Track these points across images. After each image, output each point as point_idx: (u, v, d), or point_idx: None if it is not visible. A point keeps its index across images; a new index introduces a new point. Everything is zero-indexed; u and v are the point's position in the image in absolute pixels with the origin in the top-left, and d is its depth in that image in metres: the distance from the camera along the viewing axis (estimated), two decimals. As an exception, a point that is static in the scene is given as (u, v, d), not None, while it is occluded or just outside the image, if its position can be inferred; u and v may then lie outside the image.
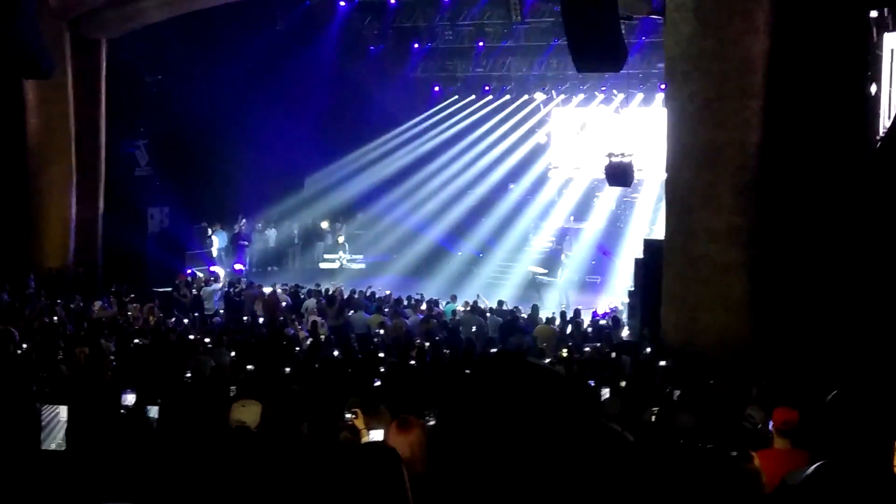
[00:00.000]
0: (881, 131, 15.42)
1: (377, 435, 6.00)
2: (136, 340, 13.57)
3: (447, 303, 21.78)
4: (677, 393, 10.34)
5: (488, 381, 1.77)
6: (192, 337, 14.64)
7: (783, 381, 10.61)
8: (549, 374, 1.78)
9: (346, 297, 21.54)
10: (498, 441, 1.67)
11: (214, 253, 28.55)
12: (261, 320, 18.91)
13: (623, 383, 11.27)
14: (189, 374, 10.07)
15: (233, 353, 12.78)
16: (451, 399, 1.78)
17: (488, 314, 20.42)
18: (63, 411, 5.47)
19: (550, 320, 20.07)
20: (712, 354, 14.38)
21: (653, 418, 8.61)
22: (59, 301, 18.89)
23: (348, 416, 6.19)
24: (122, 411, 7.00)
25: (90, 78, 22.87)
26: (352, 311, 20.16)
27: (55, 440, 5.39)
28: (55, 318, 16.42)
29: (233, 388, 8.99)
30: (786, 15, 14.84)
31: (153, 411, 7.21)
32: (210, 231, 28.85)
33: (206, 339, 14.51)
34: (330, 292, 21.63)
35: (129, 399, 7.24)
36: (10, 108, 21.87)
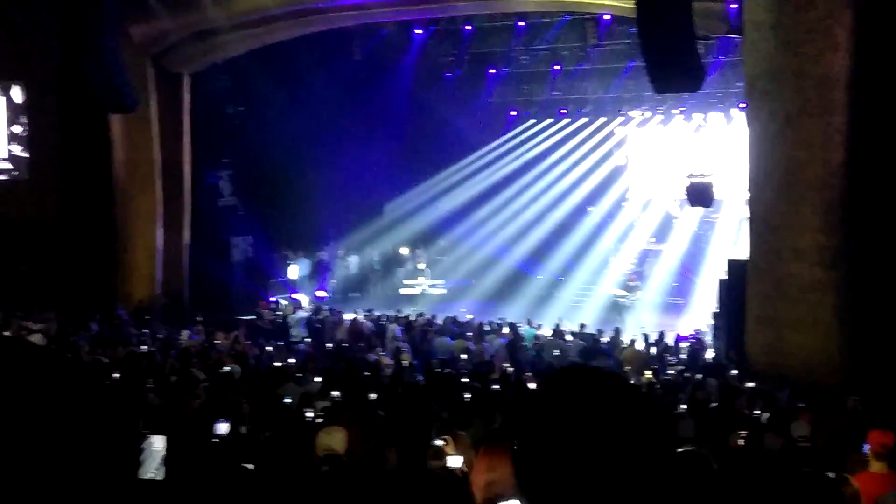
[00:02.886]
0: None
1: (457, 461, 6.03)
2: (225, 368, 13.75)
3: (527, 327, 21.70)
4: (766, 416, 10.20)
5: (566, 395, 1.77)
6: (278, 364, 14.81)
7: (877, 402, 10.40)
8: (629, 388, 1.78)
9: (427, 321, 21.64)
10: (581, 460, 1.67)
11: (296, 280, 28.88)
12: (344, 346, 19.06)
13: (713, 405, 11.16)
14: (280, 402, 10.19)
15: (318, 380, 12.90)
16: (526, 417, 1.79)
17: (570, 338, 20.31)
18: (157, 441, 5.59)
19: (632, 342, 19.89)
20: (800, 376, 14.14)
21: (740, 441, 8.50)
22: (146, 330, 19.25)
23: (439, 442, 6.22)
24: (215, 440, 7.13)
25: (174, 111, 23.39)
26: (435, 337, 20.22)
27: (150, 470, 5.51)
28: (143, 347, 16.74)
29: (320, 414, 9.09)
30: (867, 31, 14.63)
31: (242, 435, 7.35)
32: (292, 259, 29.21)
33: (292, 365, 14.69)
34: (411, 319, 21.76)
35: (223, 428, 7.37)
36: (97, 142, 22.41)
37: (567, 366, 1.91)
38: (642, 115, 33.86)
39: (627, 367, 16.34)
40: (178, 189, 23.66)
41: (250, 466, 5.82)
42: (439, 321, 22.21)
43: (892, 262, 14.62)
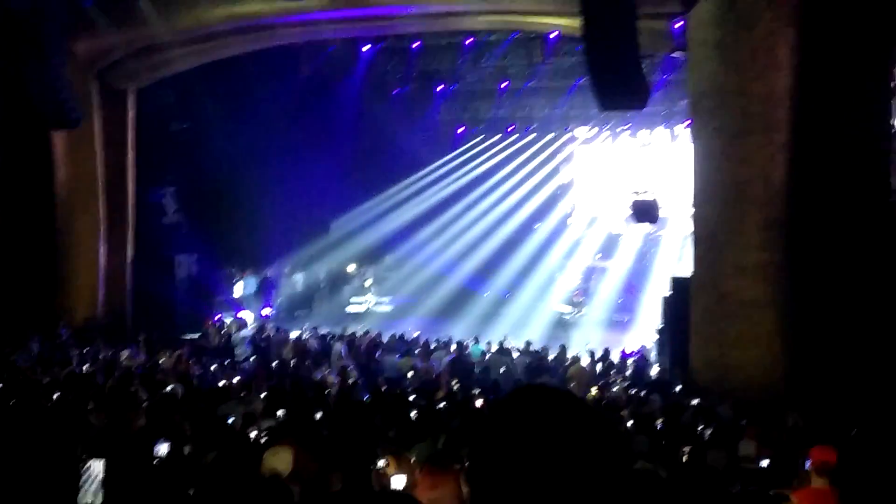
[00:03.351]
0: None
1: (400, 481, 5.99)
2: (167, 388, 13.57)
3: (473, 344, 21.70)
4: (708, 432, 10.26)
5: (519, 415, 1.76)
6: (222, 383, 14.65)
7: (817, 417, 10.51)
8: (581, 406, 1.77)
9: (372, 339, 21.58)
10: (535, 479, 1.66)
11: (242, 298, 28.67)
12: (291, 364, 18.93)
13: (659, 422, 11.21)
14: (223, 421, 10.06)
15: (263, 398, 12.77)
16: (481, 437, 1.77)
17: (516, 355, 20.33)
18: (97, 465, 5.46)
19: (576, 359, 19.94)
20: (743, 391, 14.26)
21: (685, 458, 8.55)
22: (87, 350, 18.97)
23: (381, 463, 6.17)
24: (154, 462, 7.01)
25: (118, 127, 23.14)
26: (383, 355, 20.18)
27: (88, 495, 5.38)
28: (84, 367, 16.48)
29: (264, 434, 8.98)
30: (809, 50, 14.84)
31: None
32: (238, 277, 29.00)
33: (236, 384, 14.54)
34: (354, 336, 21.73)
35: (163, 449, 7.25)
36: (38, 158, 22.08)
37: (518, 386, 1.89)
38: (588, 131, 34.14)
39: (572, 384, 16.37)
40: (121, 206, 23.38)
41: (191, 492, 5.71)
42: (385, 339, 22.15)
43: (832, 278, 14.80)
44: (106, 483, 5.33)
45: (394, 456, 6.24)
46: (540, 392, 1.78)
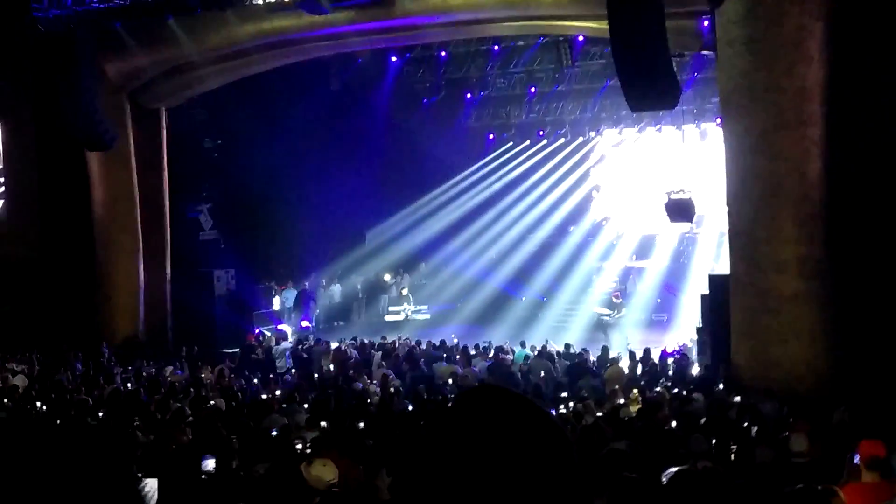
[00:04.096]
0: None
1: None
2: (211, 402, 13.69)
3: (519, 348, 21.66)
4: (755, 429, 10.21)
5: (458, 415, 1.78)
6: (264, 396, 14.76)
7: (865, 412, 10.42)
8: (531, 410, 1.79)
9: (412, 348, 21.63)
10: (460, 474, 1.68)
11: (280, 311, 28.82)
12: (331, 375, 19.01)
13: (702, 421, 11.17)
14: (268, 434, 10.14)
15: (306, 408, 12.86)
16: (419, 435, 1.80)
17: (557, 358, 20.30)
18: (151, 483, 5.52)
19: (615, 360, 19.88)
20: (786, 388, 14.16)
21: (732, 456, 8.51)
22: (129, 368, 19.15)
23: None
24: (203, 476, 7.08)
25: (151, 147, 23.34)
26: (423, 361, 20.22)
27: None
28: (128, 385, 16.65)
29: (309, 446, 9.04)
30: (839, 43, 14.74)
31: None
32: (275, 290, 29.16)
33: (278, 397, 14.63)
34: (387, 345, 21.84)
35: (210, 464, 7.32)
36: (75, 180, 22.33)
37: (474, 387, 1.91)
38: (619, 133, 34.02)
39: (616, 387, 16.33)
40: (158, 224, 23.58)
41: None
42: (423, 346, 22.18)
43: (872, 271, 14.68)
44: (160, 500, 5.40)
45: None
46: (487, 393, 1.79)
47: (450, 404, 1.84)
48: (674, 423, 11.22)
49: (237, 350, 22.16)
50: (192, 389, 15.92)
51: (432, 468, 1.70)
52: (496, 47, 27.13)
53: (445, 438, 1.71)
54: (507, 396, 1.77)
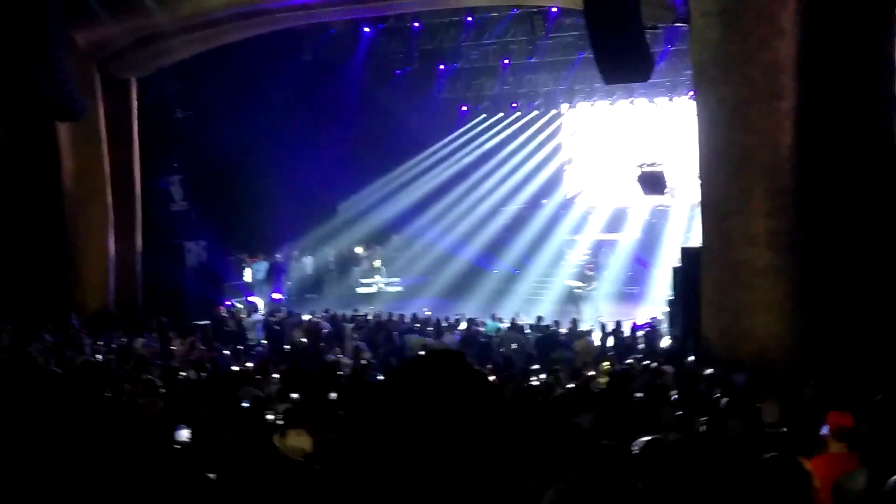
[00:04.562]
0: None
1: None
2: (182, 374, 13.64)
3: (490, 321, 21.75)
4: (724, 400, 10.27)
5: (402, 380, 1.83)
6: (235, 368, 14.71)
7: (833, 384, 10.52)
8: (466, 375, 1.82)
9: (383, 320, 21.66)
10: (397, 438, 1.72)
11: (252, 283, 28.73)
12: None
13: (672, 393, 11.23)
14: (239, 406, 10.11)
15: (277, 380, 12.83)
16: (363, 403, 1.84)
17: (528, 331, 20.39)
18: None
19: (586, 333, 20.00)
20: (756, 360, 14.27)
21: (702, 427, 8.56)
22: (100, 340, 19.03)
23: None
24: (176, 447, 7.06)
25: (122, 117, 23.10)
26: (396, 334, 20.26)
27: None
28: (98, 356, 16.54)
29: (280, 417, 9.03)
30: (812, 16, 14.77)
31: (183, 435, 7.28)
32: (247, 262, 29.07)
33: (250, 368, 14.59)
34: (358, 318, 21.86)
35: (184, 434, 7.30)
36: (44, 151, 22.09)
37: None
38: (592, 105, 34.08)
39: (588, 359, 16.43)
40: (128, 195, 23.38)
41: (212, 476, 5.75)
42: (395, 318, 22.22)
43: (843, 244, 14.78)
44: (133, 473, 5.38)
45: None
46: (431, 358, 1.83)
47: (393, 372, 1.89)
48: (644, 395, 11.27)
49: (208, 322, 22.09)
50: (162, 360, 15.86)
51: (370, 429, 1.73)
52: (469, 18, 27.03)
53: (384, 401, 1.75)
54: (449, 360, 1.80)
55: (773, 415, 8.78)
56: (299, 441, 5.99)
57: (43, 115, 20.24)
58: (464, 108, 35.54)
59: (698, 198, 17.22)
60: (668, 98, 31.77)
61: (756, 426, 8.55)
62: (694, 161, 17.05)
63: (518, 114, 35.06)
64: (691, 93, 21.22)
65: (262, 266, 29.42)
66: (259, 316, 23.26)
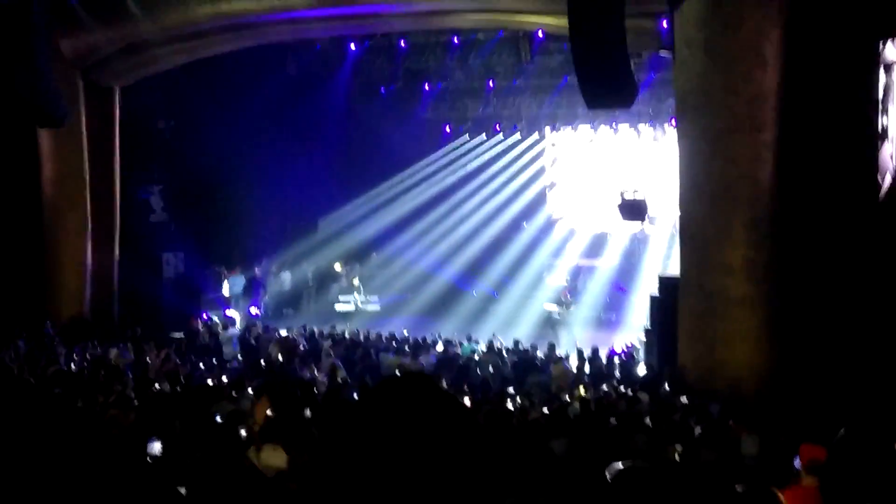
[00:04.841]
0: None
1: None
2: (157, 386, 13.54)
3: (466, 342, 21.71)
4: (698, 429, 10.29)
5: (372, 400, 1.85)
6: (210, 382, 14.61)
7: (805, 415, 10.54)
8: (438, 397, 1.84)
9: (359, 339, 21.61)
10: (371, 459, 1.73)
11: (229, 297, 28.60)
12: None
13: (647, 420, 11.23)
14: (212, 420, 10.04)
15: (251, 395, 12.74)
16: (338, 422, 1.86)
17: (505, 354, 20.36)
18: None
19: (562, 358, 19.98)
20: (732, 390, 14.30)
21: (676, 456, 8.56)
22: (75, 348, 18.89)
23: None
24: (148, 460, 7.00)
25: (104, 125, 23.02)
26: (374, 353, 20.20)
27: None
28: (72, 365, 16.41)
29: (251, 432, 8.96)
30: (795, 48, 14.89)
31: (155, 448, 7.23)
32: (225, 275, 28.95)
33: (225, 383, 14.50)
34: (335, 336, 21.77)
35: (156, 447, 7.24)
36: (25, 157, 21.99)
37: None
38: (574, 130, 34.20)
39: (560, 384, 16.41)
40: (108, 205, 23.26)
41: (183, 490, 5.71)
42: (372, 337, 22.18)
43: (820, 276, 14.85)
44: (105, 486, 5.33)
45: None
46: (403, 381, 1.85)
47: (365, 396, 1.91)
48: (618, 422, 11.26)
49: (183, 334, 21.97)
50: (136, 372, 15.75)
51: (342, 450, 1.73)
52: (455, 39, 27.10)
53: (356, 423, 1.75)
54: (421, 383, 1.81)
55: (753, 447, 8.79)
56: (273, 457, 5.95)
57: (25, 121, 20.15)
58: (447, 128, 35.59)
59: (678, 226, 17.30)
60: (650, 125, 31.91)
61: (730, 456, 8.56)
62: (674, 189, 17.13)
63: (501, 136, 35.13)
64: (673, 121, 21.33)
65: (240, 280, 29.30)
66: (235, 330, 23.15)
